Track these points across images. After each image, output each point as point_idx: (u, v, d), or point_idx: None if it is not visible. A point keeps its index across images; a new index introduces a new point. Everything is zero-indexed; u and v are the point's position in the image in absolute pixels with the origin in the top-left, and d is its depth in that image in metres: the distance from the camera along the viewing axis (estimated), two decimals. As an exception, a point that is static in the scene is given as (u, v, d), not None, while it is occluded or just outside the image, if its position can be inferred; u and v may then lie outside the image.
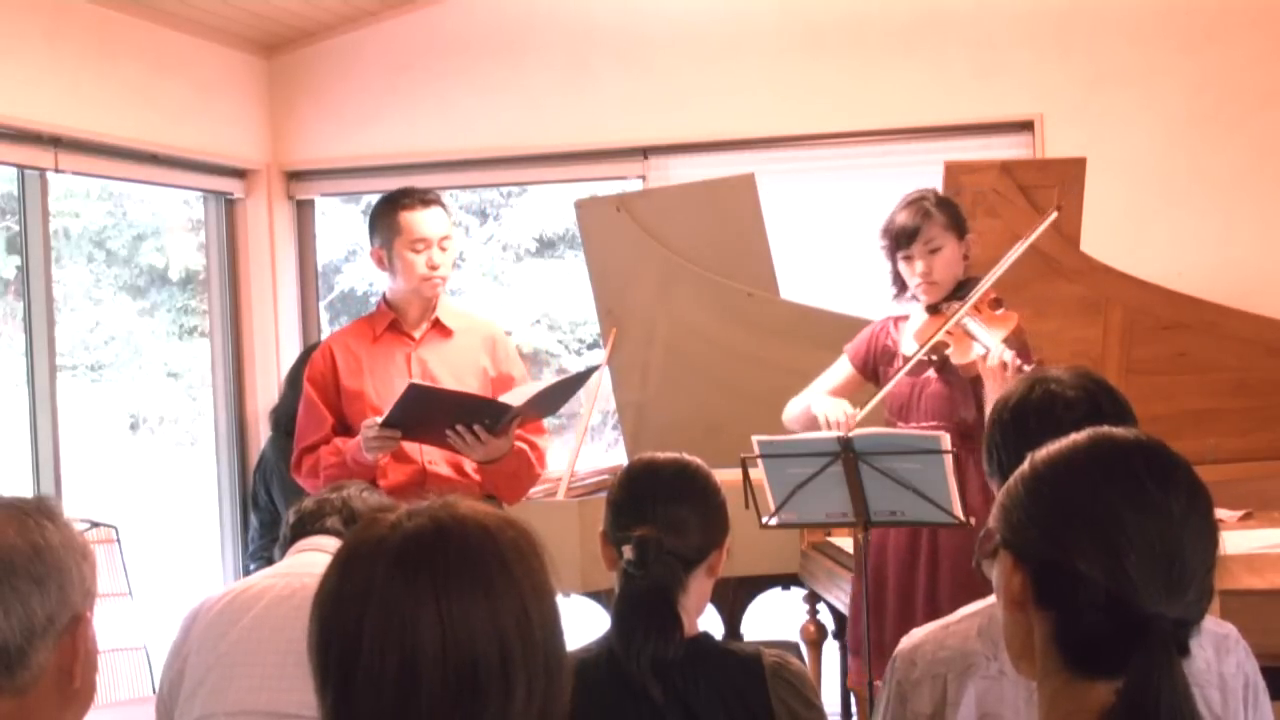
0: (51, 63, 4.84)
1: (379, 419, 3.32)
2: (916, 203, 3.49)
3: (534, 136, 5.75)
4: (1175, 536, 1.23)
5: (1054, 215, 3.63)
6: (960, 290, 3.50)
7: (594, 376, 4.20)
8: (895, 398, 3.50)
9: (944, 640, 1.97)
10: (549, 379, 3.54)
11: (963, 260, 3.51)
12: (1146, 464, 1.28)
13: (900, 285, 3.57)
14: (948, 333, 3.39)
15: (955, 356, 3.39)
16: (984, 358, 3.28)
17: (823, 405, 3.48)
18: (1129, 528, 1.23)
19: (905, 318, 3.61)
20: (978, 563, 1.43)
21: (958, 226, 3.50)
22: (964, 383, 3.44)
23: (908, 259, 3.47)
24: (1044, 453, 1.33)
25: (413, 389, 3.28)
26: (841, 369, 3.68)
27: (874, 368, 3.62)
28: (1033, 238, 3.57)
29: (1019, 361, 3.19)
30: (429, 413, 3.33)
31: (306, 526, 2.55)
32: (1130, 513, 1.24)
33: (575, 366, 10.53)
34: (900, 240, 3.45)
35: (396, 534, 1.27)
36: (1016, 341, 3.33)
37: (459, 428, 3.29)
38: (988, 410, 3.38)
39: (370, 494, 2.65)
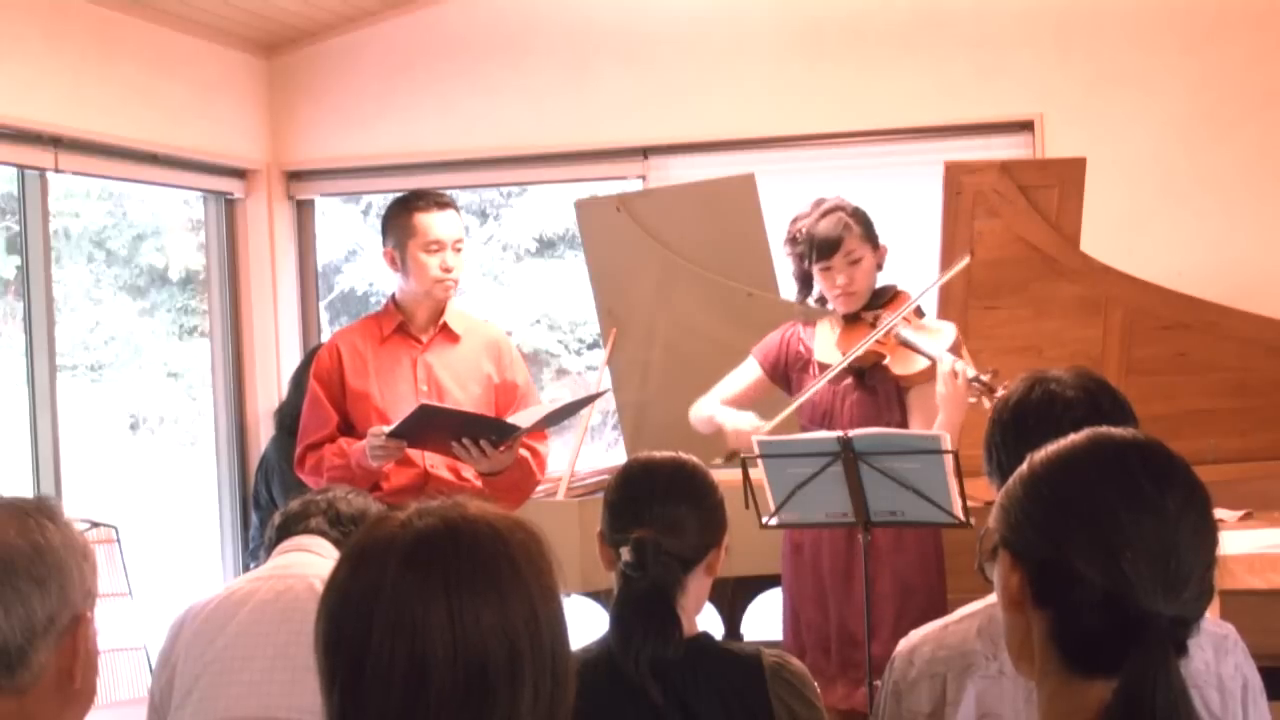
0: (51, 63, 4.84)
1: (386, 429, 3.33)
2: (833, 214, 3.51)
3: (534, 136, 5.75)
4: (1171, 535, 1.23)
5: (967, 260, 3.68)
6: (876, 300, 3.54)
7: (591, 371, 4.21)
8: (816, 406, 3.52)
9: (943, 640, 1.97)
10: (556, 402, 3.57)
11: (876, 270, 3.55)
12: (1143, 462, 1.28)
13: (805, 290, 3.62)
14: (879, 342, 3.42)
15: (896, 366, 3.42)
16: (932, 368, 3.31)
17: (729, 418, 3.50)
18: (1125, 526, 1.24)
19: (812, 325, 3.64)
20: (980, 565, 1.43)
21: (872, 238, 3.54)
22: (889, 389, 3.48)
23: (826, 270, 3.49)
24: (1042, 453, 1.34)
25: (423, 409, 3.30)
26: (749, 372, 3.69)
27: (784, 373, 3.64)
28: (947, 276, 3.67)
29: (973, 371, 3.22)
30: (436, 428, 3.36)
31: (291, 527, 2.55)
32: (1126, 511, 1.24)
33: (575, 366, 10.53)
34: (821, 252, 3.48)
35: (407, 532, 1.27)
36: (958, 349, 3.37)
37: (465, 441, 3.31)
38: (915, 417, 3.43)
39: (356, 496, 2.64)
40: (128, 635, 4.59)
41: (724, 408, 3.57)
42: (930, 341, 3.39)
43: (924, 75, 5.37)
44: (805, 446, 3.13)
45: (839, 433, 3.12)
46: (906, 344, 3.41)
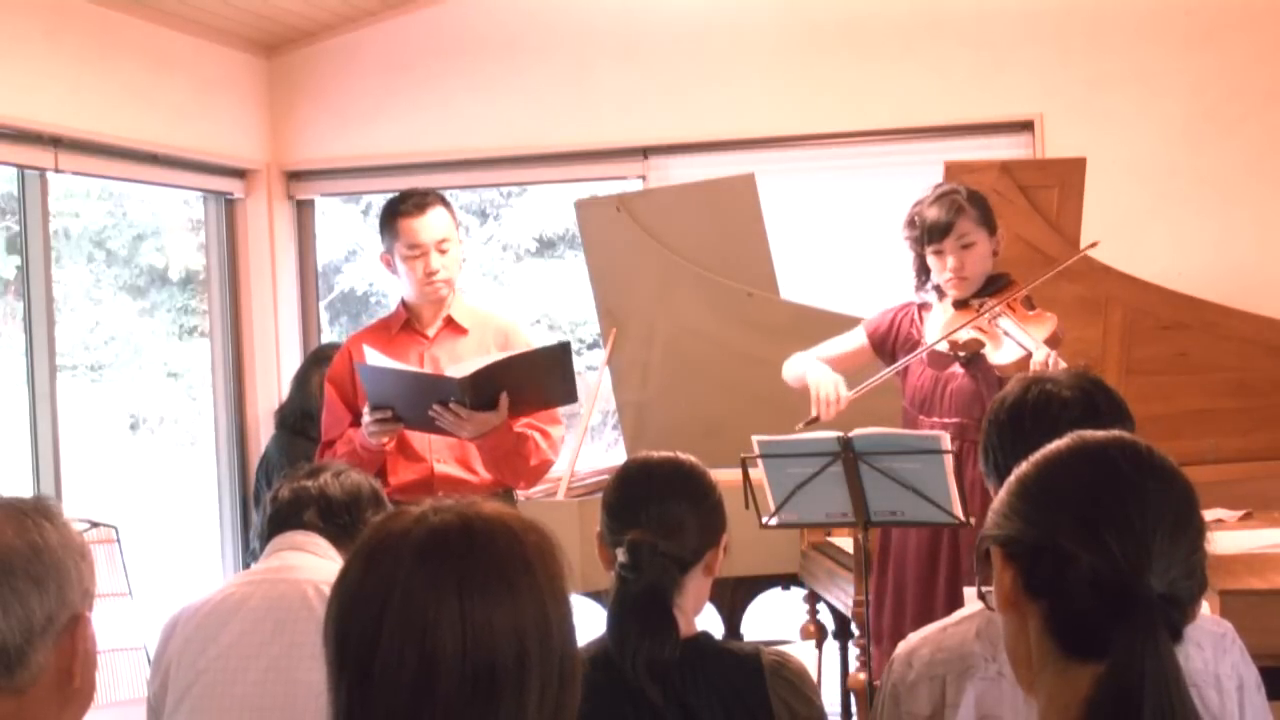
0: (51, 63, 4.84)
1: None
2: (948, 196, 3.45)
3: (534, 136, 5.75)
4: (1154, 513, 1.26)
5: (1096, 243, 3.72)
6: (990, 286, 3.49)
7: (591, 371, 4.17)
8: (917, 391, 3.49)
9: (941, 642, 1.97)
10: (502, 355, 3.45)
11: (992, 256, 3.50)
12: (1121, 451, 1.32)
13: (923, 276, 3.55)
14: (981, 330, 3.39)
15: (994, 356, 3.37)
16: (1026, 359, 3.26)
17: (818, 376, 3.47)
18: (1106, 505, 1.27)
19: (929, 307, 3.57)
20: (980, 593, 1.43)
21: (989, 222, 3.48)
22: (992, 378, 3.41)
23: (938, 253, 3.44)
24: (1026, 460, 1.37)
25: (363, 369, 3.34)
26: (854, 339, 3.64)
27: (891, 349, 3.58)
28: (1070, 261, 3.69)
29: (1063, 364, 3.17)
30: (399, 393, 3.35)
31: (285, 521, 2.48)
32: (1107, 492, 1.28)
33: (575, 366, 10.51)
34: (933, 234, 3.42)
35: (421, 528, 1.26)
36: (1056, 343, 3.33)
37: (437, 407, 3.29)
38: None
39: (346, 475, 2.52)
40: (128, 635, 4.59)
41: (817, 362, 3.54)
42: (1028, 332, 3.34)
43: (924, 75, 5.36)
44: (805, 446, 3.13)
45: (838, 433, 3.12)
46: (1004, 333, 3.37)
